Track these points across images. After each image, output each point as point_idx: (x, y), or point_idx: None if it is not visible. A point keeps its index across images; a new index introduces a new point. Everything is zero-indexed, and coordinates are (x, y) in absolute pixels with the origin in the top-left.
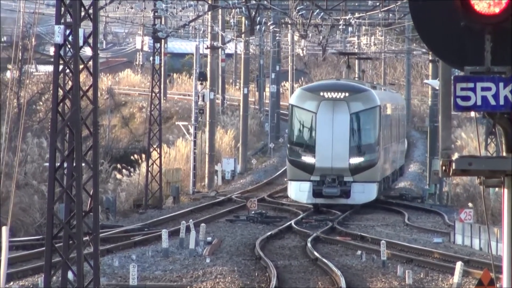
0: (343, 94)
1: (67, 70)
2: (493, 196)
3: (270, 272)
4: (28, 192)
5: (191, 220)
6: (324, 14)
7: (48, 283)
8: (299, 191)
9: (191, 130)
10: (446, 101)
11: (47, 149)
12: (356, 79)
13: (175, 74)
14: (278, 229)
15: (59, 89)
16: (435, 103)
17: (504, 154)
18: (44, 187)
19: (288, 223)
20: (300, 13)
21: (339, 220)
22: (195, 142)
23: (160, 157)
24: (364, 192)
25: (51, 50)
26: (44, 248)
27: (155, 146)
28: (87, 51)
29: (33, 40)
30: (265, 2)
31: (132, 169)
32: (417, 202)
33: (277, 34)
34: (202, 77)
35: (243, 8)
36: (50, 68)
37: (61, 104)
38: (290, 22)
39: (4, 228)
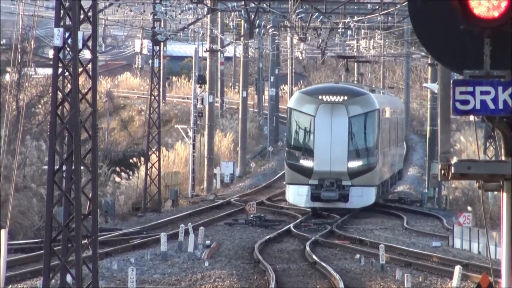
0: (342, 97)
1: (66, 73)
2: (492, 200)
3: (268, 276)
4: (27, 195)
5: (190, 223)
6: (323, 18)
7: (47, 286)
8: (297, 195)
9: (190, 133)
10: (445, 104)
11: (46, 152)
12: (355, 82)
13: (174, 77)
14: (277, 232)
15: (58, 92)
16: (434, 106)
17: (503, 158)
18: (43, 190)
19: (287, 226)
20: (299, 16)
21: (338, 223)
22: (194, 145)
23: (159, 160)
24: (362, 196)
25: (50, 53)
26: (42, 251)
27: (154, 149)
28: (86, 54)
29: (32, 42)
30: (264, 5)
31: (131, 172)
32: (416, 205)
33: (276, 37)
34: (201, 80)
35: (242, 11)
36: (49, 71)
37: (60, 107)
38: (289, 25)
39: (2, 231)
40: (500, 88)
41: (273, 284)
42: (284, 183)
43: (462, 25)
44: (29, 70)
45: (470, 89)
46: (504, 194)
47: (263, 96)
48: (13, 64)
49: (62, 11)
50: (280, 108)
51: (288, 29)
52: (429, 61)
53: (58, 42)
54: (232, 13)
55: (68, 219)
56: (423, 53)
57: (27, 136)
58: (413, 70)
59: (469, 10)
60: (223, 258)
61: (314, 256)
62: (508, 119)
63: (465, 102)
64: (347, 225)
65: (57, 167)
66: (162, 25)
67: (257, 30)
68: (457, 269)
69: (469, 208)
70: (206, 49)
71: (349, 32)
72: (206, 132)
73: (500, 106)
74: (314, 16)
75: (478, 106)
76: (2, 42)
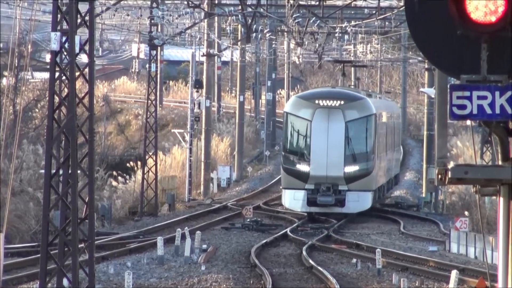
0: (338, 102)
1: (63, 77)
2: (489, 205)
3: (265, 280)
4: (24, 199)
5: (186, 227)
6: (320, 22)
7: None
8: (293, 200)
9: (187, 138)
10: (442, 109)
11: (43, 156)
12: (352, 87)
13: (171, 82)
14: (274, 237)
15: (55, 96)
16: (431, 111)
17: (500, 163)
18: (39, 194)
19: (284, 231)
20: (296, 21)
21: (335, 228)
22: (190, 149)
23: (155, 164)
24: (359, 200)
25: (47, 57)
26: (39, 255)
27: (150, 154)
28: (83, 58)
29: (29, 47)
30: (262, 9)
31: (127, 176)
32: (413, 210)
33: (273, 42)
34: (198, 84)
35: (240, 15)
36: (46, 75)
37: (57, 111)
38: (286, 29)
39: None
40: (497, 93)
41: None
42: (281, 187)
43: (459, 30)
44: (26, 74)
45: (467, 94)
46: (501, 199)
47: (260, 100)
48: (10, 68)
49: (59, 15)
50: (277, 112)
51: (285, 33)
52: (426, 66)
53: (55, 46)
54: (229, 18)
55: (65, 223)
56: (420, 58)
57: (24, 140)
58: (410, 75)
59: (466, 15)
60: (219, 262)
61: (310, 261)
62: (505, 124)
63: (462, 107)
64: (343, 230)
65: (54, 171)
66: (159, 30)
67: (254, 34)
68: (454, 273)
69: (466, 212)
70: (203, 53)
71: (346, 36)
72: (203, 137)
73: (497, 111)
74: (311, 21)
75: (475, 111)
76: (0, 46)
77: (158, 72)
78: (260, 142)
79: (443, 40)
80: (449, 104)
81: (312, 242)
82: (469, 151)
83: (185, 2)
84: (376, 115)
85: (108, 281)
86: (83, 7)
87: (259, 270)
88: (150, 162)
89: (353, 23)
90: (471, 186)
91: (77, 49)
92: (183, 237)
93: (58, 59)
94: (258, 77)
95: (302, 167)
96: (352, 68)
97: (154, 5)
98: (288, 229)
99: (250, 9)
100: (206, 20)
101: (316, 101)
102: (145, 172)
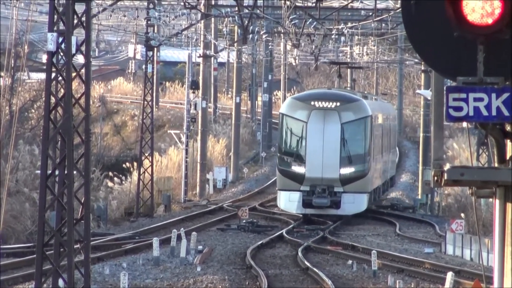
0: (334, 103)
1: (60, 78)
2: (485, 207)
3: (261, 281)
4: (20, 200)
5: (182, 228)
6: (316, 24)
7: None
8: (288, 201)
9: (183, 139)
10: (438, 111)
11: (39, 156)
12: (348, 88)
13: (167, 83)
14: (269, 238)
15: (51, 96)
16: (427, 113)
17: (496, 165)
18: (35, 195)
19: (279, 232)
20: (292, 22)
21: (330, 229)
22: (187, 150)
23: (151, 165)
24: (354, 202)
25: (44, 58)
26: (35, 256)
27: (147, 154)
28: (79, 59)
29: (26, 47)
30: (258, 11)
31: (123, 177)
32: (409, 212)
33: (269, 43)
34: (194, 85)
35: (236, 17)
36: (42, 75)
37: (53, 111)
38: (282, 31)
39: None
40: (493, 95)
41: None
42: (276, 189)
43: (456, 32)
44: (22, 74)
45: (463, 95)
46: (497, 201)
47: (256, 101)
48: (6, 69)
49: (55, 16)
50: (273, 114)
51: (281, 35)
52: (423, 68)
53: (51, 46)
54: (226, 19)
55: (61, 224)
56: (416, 60)
57: (20, 141)
58: (406, 77)
59: (463, 17)
60: (215, 263)
61: (306, 262)
62: (501, 126)
63: (458, 109)
64: (339, 231)
65: (50, 171)
66: (155, 31)
67: (250, 36)
68: (449, 275)
69: (462, 214)
70: (200, 54)
71: (342, 38)
72: (199, 138)
73: (493, 113)
74: (308, 22)
75: (471, 113)
76: None
77: (155, 73)
78: (256, 143)
79: (439, 42)
80: (445, 106)
81: (307, 244)
82: (465, 153)
83: (182, 3)
84: (372, 116)
85: (104, 281)
86: (79, 8)
87: (255, 271)
88: (146, 163)
89: (349, 24)
90: (467, 188)
91: (73, 50)
92: (178, 238)
93: (54, 60)
94: (255, 79)
95: (297, 168)
96: (348, 70)
97: (151, 6)
98: (284, 231)
99: (246, 11)
100: (202, 21)
101: (312, 103)
102: (141, 173)
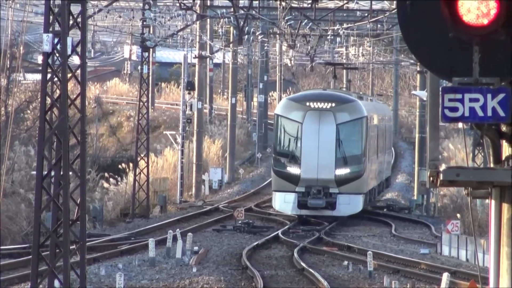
0: (329, 104)
1: (55, 79)
2: (480, 208)
3: (256, 282)
4: (15, 201)
5: (178, 229)
6: (312, 25)
7: None
8: (284, 202)
9: (179, 140)
10: (434, 111)
11: (35, 157)
12: (344, 89)
13: (163, 83)
14: (265, 239)
15: (47, 97)
16: (422, 114)
17: (492, 165)
18: (31, 196)
19: (275, 233)
20: (288, 23)
21: (326, 230)
22: (182, 151)
23: (147, 166)
24: (349, 204)
25: (39, 59)
26: (30, 257)
27: (142, 155)
28: (75, 60)
29: (21, 48)
30: (254, 12)
31: (119, 178)
32: (404, 213)
33: (265, 44)
34: (190, 86)
35: (232, 17)
36: (38, 76)
37: (48, 112)
38: (278, 32)
39: None
40: (489, 96)
41: None
42: (272, 190)
43: (451, 33)
44: (18, 75)
45: (459, 96)
46: (493, 201)
47: (252, 102)
48: (2, 70)
49: (51, 17)
50: (269, 114)
51: (277, 36)
52: (418, 69)
53: (47, 47)
54: (222, 20)
55: (56, 225)
56: (412, 61)
57: (15, 142)
58: (402, 78)
59: (458, 18)
60: (211, 264)
61: (302, 263)
62: (496, 126)
63: (454, 109)
64: (335, 232)
65: (46, 172)
66: (151, 31)
67: (246, 36)
68: (445, 276)
69: (458, 215)
70: (195, 55)
71: (338, 39)
72: (194, 138)
73: (489, 113)
74: (303, 23)
75: (467, 113)
76: None
77: (150, 74)
78: (252, 144)
79: (435, 42)
80: (441, 106)
81: (303, 244)
82: (461, 153)
83: (177, 4)
84: (368, 117)
85: (100, 282)
86: (75, 9)
87: (251, 272)
88: (142, 163)
89: (345, 25)
90: (463, 188)
91: (69, 51)
92: (174, 239)
93: (50, 61)
94: (250, 79)
95: (292, 169)
96: (344, 71)
97: (146, 7)
98: (279, 231)
99: (242, 11)
100: (198, 22)
101: (307, 103)
102: (137, 173)
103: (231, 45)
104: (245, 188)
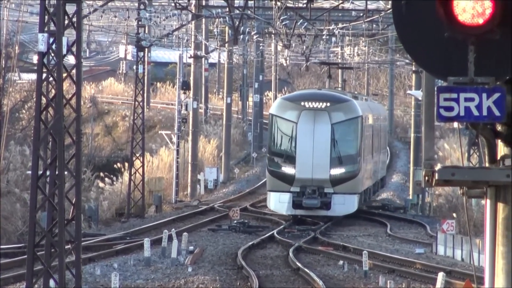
0: (324, 104)
1: (51, 78)
2: (476, 207)
3: (252, 282)
4: (10, 200)
5: (173, 229)
6: (307, 24)
7: None
8: (278, 202)
9: (174, 139)
10: (429, 111)
11: (30, 157)
12: (339, 89)
13: (158, 83)
14: (260, 238)
15: (42, 97)
16: (418, 113)
17: (487, 164)
18: (26, 195)
19: (271, 232)
20: (283, 23)
21: (322, 230)
22: (178, 151)
23: (143, 166)
24: (344, 203)
25: (35, 58)
26: (26, 256)
27: (138, 155)
28: (70, 60)
29: (17, 48)
30: (249, 11)
31: (114, 178)
32: (400, 212)
33: (260, 44)
34: (185, 86)
35: (227, 17)
36: (33, 76)
37: (44, 112)
38: (273, 32)
39: None
40: (484, 95)
41: None
42: (267, 190)
43: (447, 32)
44: (13, 75)
45: (454, 95)
46: (488, 201)
47: (247, 102)
48: None
49: (46, 17)
50: (264, 114)
51: (272, 35)
52: (413, 68)
53: (42, 47)
54: (217, 20)
55: (52, 224)
56: (407, 60)
57: (11, 141)
58: (397, 77)
59: (453, 17)
60: (206, 263)
61: (297, 262)
62: (492, 126)
63: (449, 109)
64: (330, 232)
65: (41, 172)
66: (146, 31)
67: (241, 36)
68: (440, 276)
69: (454, 215)
70: (191, 55)
71: (333, 39)
72: (190, 138)
73: (484, 113)
74: (299, 23)
75: (462, 113)
76: None
77: (146, 73)
78: (247, 144)
79: (430, 42)
80: (436, 106)
81: (299, 244)
82: (456, 153)
83: (173, 4)
84: (363, 117)
85: (95, 282)
86: (70, 9)
87: (246, 272)
88: (137, 163)
89: (340, 25)
90: (458, 188)
91: (64, 50)
92: (170, 238)
93: (45, 60)
94: (246, 79)
95: (287, 169)
96: (339, 70)
97: (142, 6)
98: (275, 231)
99: (237, 11)
100: (193, 22)
101: (302, 103)
102: (132, 173)
103: (226, 45)
104: (241, 188)
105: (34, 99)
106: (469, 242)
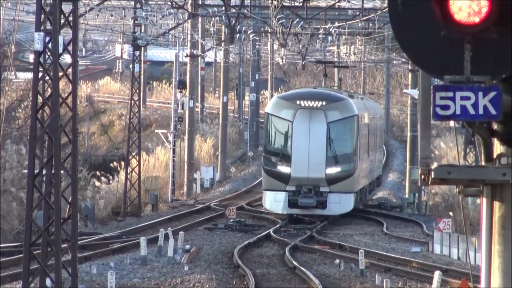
0: (320, 102)
1: (47, 77)
2: (472, 206)
3: (248, 281)
4: (7, 199)
5: (169, 228)
6: (304, 23)
7: None
8: (274, 201)
9: (170, 138)
10: (425, 110)
11: (26, 156)
12: (335, 88)
13: (154, 82)
14: (257, 237)
15: (38, 96)
16: (414, 112)
17: (483, 163)
18: (22, 194)
19: (267, 231)
20: (280, 22)
21: (318, 229)
22: (174, 150)
23: (139, 164)
24: (340, 202)
25: (31, 57)
26: (22, 255)
27: (134, 154)
28: (66, 59)
29: (13, 47)
30: (245, 10)
31: (110, 177)
32: (396, 211)
33: (257, 43)
34: (181, 85)
35: (223, 16)
36: (29, 75)
37: (40, 111)
38: (270, 30)
39: None
40: (480, 94)
41: None
42: (263, 189)
43: (443, 31)
44: (9, 74)
45: (450, 94)
46: (484, 200)
47: (244, 101)
48: None
49: (42, 16)
50: (260, 113)
51: (268, 34)
52: (410, 67)
53: (38, 46)
54: (213, 18)
55: (48, 223)
56: (403, 59)
57: (7, 140)
58: (393, 76)
59: (449, 16)
60: (202, 262)
61: (293, 261)
62: (488, 124)
63: (445, 107)
64: (326, 230)
65: (37, 171)
66: (142, 30)
67: (237, 35)
68: (437, 274)
69: (450, 213)
70: (187, 54)
71: (329, 38)
72: (186, 137)
73: (480, 111)
74: (295, 22)
75: (458, 112)
76: None
77: (142, 72)
78: (244, 143)
79: (426, 41)
80: (432, 104)
81: (295, 243)
82: (452, 152)
83: (169, 3)
84: (358, 116)
85: (91, 281)
86: (66, 8)
87: (242, 271)
88: (134, 162)
89: (336, 24)
90: (454, 187)
91: (60, 49)
92: (166, 237)
93: (41, 59)
94: (242, 78)
95: (283, 168)
96: (336, 69)
97: (138, 5)
98: (271, 230)
99: (233, 10)
100: (189, 21)
101: (298, 102)
102: (128, 172)
103: (222, 43)
104: (237, 187)
105: (30, 98)
106: (465, 240)
